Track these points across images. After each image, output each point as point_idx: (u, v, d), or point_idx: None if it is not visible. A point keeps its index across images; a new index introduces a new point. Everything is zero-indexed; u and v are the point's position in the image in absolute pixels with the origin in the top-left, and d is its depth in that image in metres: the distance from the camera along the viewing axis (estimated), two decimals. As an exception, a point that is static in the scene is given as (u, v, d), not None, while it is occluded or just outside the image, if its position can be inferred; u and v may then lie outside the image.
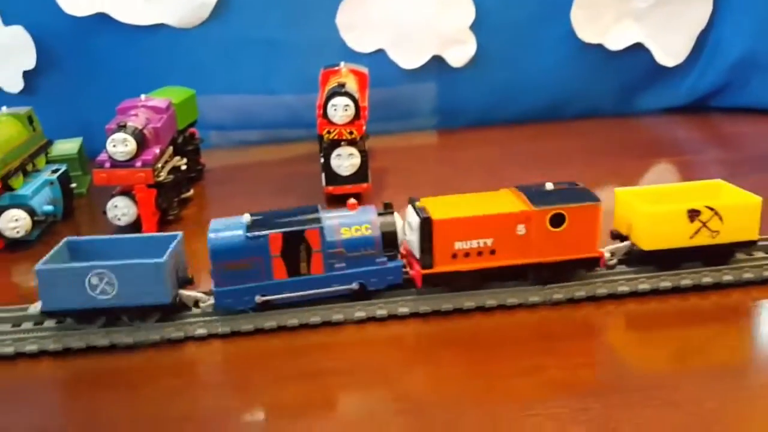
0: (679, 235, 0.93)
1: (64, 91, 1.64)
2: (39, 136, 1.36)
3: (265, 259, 0.88)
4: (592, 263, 0.93)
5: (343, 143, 1.27)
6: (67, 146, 1.44)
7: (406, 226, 0.94)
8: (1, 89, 1.66)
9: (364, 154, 1.28)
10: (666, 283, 0.92)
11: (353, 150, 1.27)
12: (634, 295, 0.92)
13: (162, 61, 1.67)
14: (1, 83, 1.66)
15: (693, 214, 0.93)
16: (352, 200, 0.94)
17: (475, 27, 1.71)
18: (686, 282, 0.92)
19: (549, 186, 0.95)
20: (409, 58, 1.73)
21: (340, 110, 1.24)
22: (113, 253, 0.88)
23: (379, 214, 0.93)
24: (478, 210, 0.91)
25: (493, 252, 0.91)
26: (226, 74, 1.69)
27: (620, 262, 0.97)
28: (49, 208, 1.19)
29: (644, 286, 0.92)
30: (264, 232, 0.88)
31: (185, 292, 0.91)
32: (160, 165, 1.22)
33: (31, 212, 1.17)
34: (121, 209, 1.21)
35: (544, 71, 1.78)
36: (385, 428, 0.71)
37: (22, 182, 1.22)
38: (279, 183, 1.46)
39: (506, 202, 0.94)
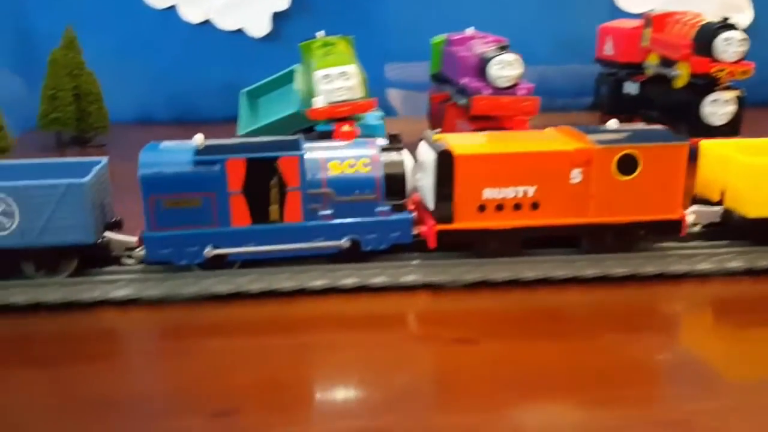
0: None
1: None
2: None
3: (221, 196, 0.64)
4: (670, 228, 0.68)
5: (717, 88, 1.08)
6: None
7: (418, 168, 0.69)
8: (242, 32, 1.43)
9: (742, 102, 1.09)
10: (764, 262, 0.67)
11: (731, 95, 1.08)
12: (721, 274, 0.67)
13: (417, 14, 1.45)
14: (244, 25, 1.43)
15: None
16: (346, 127, 0.70)
17: None
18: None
19: (613, 123, 0.70)
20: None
21: (734, 45, 1.07)
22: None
23: (383, 149, 0.68)
24: (517, 146, 0.67)
25: (535, 206, 0.67)
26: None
27: (703, 235, 0.72)
28: None
29: (735, 264, 0.67)
30: (219, 157, 0.63)
31: (114, 236, 0.67)
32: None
33: None
34: None
35: None
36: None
37: None
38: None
39: (557, 140, 0.69)
